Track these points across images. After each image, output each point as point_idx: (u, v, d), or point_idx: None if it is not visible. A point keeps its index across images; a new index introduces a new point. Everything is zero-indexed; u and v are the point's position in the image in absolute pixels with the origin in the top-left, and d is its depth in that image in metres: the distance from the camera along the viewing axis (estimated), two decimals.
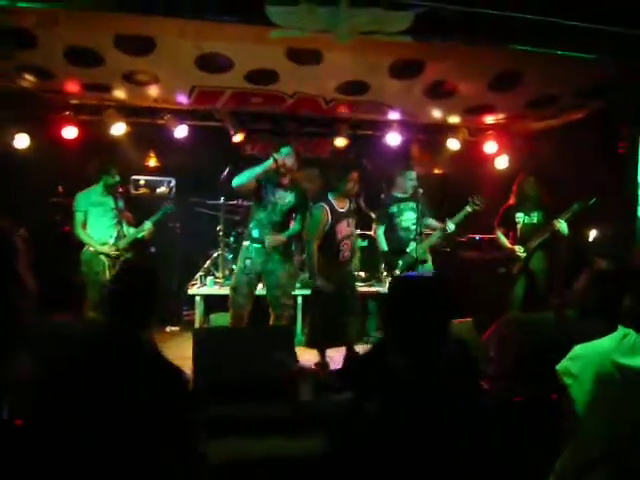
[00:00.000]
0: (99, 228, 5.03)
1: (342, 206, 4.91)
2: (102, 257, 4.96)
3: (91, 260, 4.96)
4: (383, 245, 5.35)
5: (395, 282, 1.93)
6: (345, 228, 4.91)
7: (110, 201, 5.10)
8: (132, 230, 5.20)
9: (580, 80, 5.01)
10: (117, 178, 5.15)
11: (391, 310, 1.84)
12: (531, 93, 5.37)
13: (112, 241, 5.03)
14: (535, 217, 5.49)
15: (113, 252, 4.97)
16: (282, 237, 4.83)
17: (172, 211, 5.43)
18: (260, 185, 4.75)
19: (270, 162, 4.62)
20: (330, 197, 4.88)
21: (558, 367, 1.98)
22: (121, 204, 5.20)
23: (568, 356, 1.99)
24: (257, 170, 4.64)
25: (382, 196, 5.56)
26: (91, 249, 4.97)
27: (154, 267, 3.14)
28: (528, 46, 4.05)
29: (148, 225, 5.19)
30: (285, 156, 4.67)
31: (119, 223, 5.11)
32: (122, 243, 5.08)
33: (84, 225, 5.01)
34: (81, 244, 5.07)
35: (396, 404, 1.66)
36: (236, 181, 4.67)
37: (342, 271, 4.98)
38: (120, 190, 5.34)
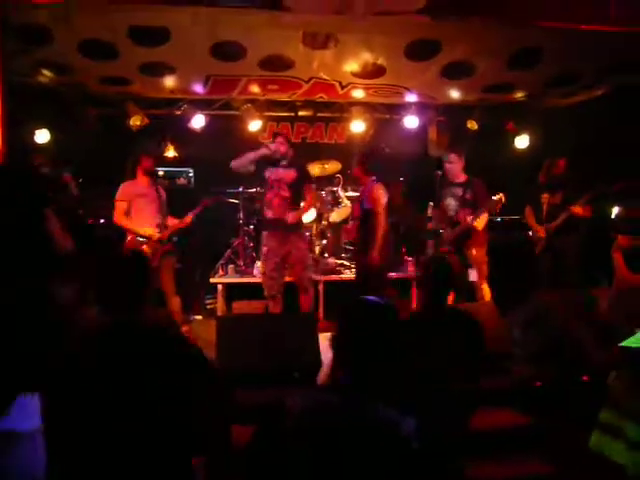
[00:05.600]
0: (143, 218, 5.07)
1: None
2: (145, 248, 4.98)
3: None
4: None
5: None
6: None
7: (154, 192, 5.15)
8: (175, 221, 5.24)
9: (603, 55, 4.89)
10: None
11: None
12: (551, 70, 5.25)
13: (157, 230, 5.08)
14: (559, 198, 5.43)
15: (156, 235, 4.99)
16: (297, 213, 5.03)
17: (212, 205, 5.53)
18: (262, 168, 4.99)
19: (263, 150, 4.91)
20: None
21: None
22: (163, 196, 5.23)
23: None
24: (250, 157, 4.94)
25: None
26: (139, 238, 4.99)
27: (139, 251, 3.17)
28: (551, 21, 3.95)
29: (189, 217, 5.25)
30: (278, 144, 4.93)
31: (162, 214, 5.17)
32: (166, 233, 5.11)
33: (127, 214, 5.04)
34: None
35: None
36: (234, 163, 5.02)
37: None
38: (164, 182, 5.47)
